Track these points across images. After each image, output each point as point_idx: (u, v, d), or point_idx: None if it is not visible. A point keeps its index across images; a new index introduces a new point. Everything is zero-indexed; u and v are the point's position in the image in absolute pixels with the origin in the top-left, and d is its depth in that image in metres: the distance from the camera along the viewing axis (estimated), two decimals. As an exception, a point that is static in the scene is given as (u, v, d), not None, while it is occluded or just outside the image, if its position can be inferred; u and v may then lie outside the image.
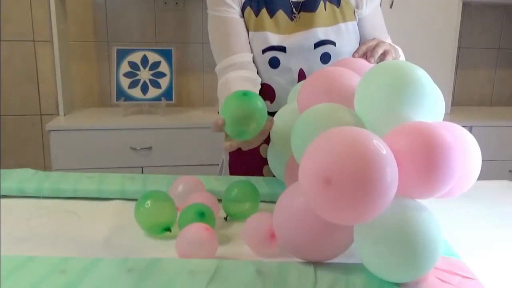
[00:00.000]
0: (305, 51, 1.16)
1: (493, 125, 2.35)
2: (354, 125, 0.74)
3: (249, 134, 0.88)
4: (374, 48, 1.00)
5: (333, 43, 1.17)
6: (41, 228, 0.90)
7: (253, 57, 1.19)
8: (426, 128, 0.68)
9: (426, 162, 0.66)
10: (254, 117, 0.86)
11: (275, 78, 1.19)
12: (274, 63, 1.18)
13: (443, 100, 0.82)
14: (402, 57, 1.12)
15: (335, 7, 1.17)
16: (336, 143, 0.64)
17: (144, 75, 2.33)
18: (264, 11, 1.16)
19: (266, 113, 0.88)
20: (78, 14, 2.38)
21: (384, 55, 1.02)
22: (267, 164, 1.24)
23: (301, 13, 1.17)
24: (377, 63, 1.01)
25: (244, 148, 0.96)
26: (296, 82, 1.18)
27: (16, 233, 0.88)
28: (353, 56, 1.02)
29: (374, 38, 1.05)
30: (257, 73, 1.20)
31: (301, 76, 1.18)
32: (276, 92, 1.20)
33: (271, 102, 1.21)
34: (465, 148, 0.75)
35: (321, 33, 1.15)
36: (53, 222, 0.93)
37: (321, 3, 1.16)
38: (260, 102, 0.87)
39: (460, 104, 2.77)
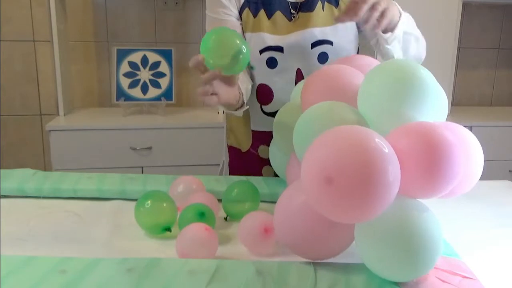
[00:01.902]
0: (302, 50, 1.17)
1: (493, 125, 2.35)
2: (357, 123, 0.74)
3: (229, 67, 0.87)
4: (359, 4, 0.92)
5: (331, 43, 1.16)
6: (41, 228, 0.90)
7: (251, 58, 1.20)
8: (428, 128, 0.68)
9: (428, 162, 0.66)
10: (233, 48, 0.85)
11: (273, 78, 1.19)
12: (271, 63, 1.18)
13: (446, 99, 0.82)
14: (407, 21, 1.09)
15: (333, 7, 1.17)
16: (338, 142, 0.64)
17: (144, 75, 2.33)
18: (262, 12, 1.17)
19: (247, 51, 0.87)
20: (78, 14, 2.38)
21: (373, 10, 0.93)
22: (267, 165, 1.24)
23: (300, 13, 1.17)
24: (365, 21, 0.94)
25: (222, 100, 0.93)
26: (294, 82, 1.18)
27: (16, 233, 0.88)
28: (336, 19, 0.96)
29: None
30: (255, 73, 1.20)
31: (299, 76, 1.18)
32: (274, 92, 1.20)
33: (269, 102, 1.21)
34: (467, 149, 0.75)
35: (318, 32, 1.15)
36: (53, 222, 0.93)
37: (319, 3, 1.16)
38: (241, 40, 0.87)
39: (460, 104, 2.77)
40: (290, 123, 0.93)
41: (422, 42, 1.17)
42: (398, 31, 1.05)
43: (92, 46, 2.43)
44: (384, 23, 0.96)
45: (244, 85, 1.14)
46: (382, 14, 0.95)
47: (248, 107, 1.14)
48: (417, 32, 1.15)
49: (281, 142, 1.03)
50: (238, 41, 0.86)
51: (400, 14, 1.06)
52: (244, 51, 0.86)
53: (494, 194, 1.16)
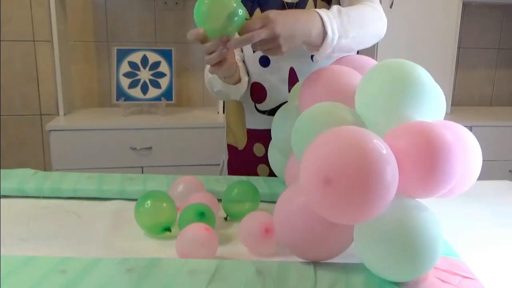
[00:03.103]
0: (295, 49, 1.16)
1: (493, 125, 2.35)
2: (354, 124, 0.74)
3: (224, 29, 0.85)
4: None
5: None
6: (41, 228, 0.90)
7: (244, 56, 1.21)
8: (426, 127, 0.68)
9: (426, 162, 0.66)
10: (227, 9, 0.83)
11: (266, 77, 1.20)
12: (264, 61, 1.18)
13: (444, 98, 0.82)
14: (340, 25, 0.96)
15: (326, 4, 1.17)
16: (336, 143, 0.64)
17: (144, 75, 2.33)
18: (257, 11, 1.17)
19: (243, 13, 0.84)
20: (78, 14, 2.38)
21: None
22: (262, 163, 1.24)
23: None
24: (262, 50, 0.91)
25: (213, 70, 0.94)
26: (287, 81, 1.18)
27: (16, 233, 0.88)
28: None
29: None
30: (249, 72, 1.21)
31: (292, 74, 1.18)
32: (267, 90, 1.21)
33: (263, 100, 1.22)
34: (465, 147, 0.75)
35: None
36: (53, 222, 0.93)
37: (310, 2, 1.16)
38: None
39: (460, 104, 2.77)
40: (288, 124, 0.93)
41: (372, 20, 1.05)
42: (322, 56, 0.98)
43: (92, 46, 2.44)
44: (272, 54, 0.92)
45: (240, 64, 1.15)
46: (272, 48, 0.90)
47: (245, 84, 1.15)
48: (360, 18, 1.01)
49: (280, 144, 1.03)
50: (232, 2, 0.84)
51: (326, 33, 0.94)
52: (240, 13, 0.84)
53: (494, 194, 1.16)
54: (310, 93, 0.89)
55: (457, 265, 0.75)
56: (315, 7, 1.15)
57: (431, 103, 0.75)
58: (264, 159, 1.20)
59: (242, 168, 1.29)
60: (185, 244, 0.78)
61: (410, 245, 0.66)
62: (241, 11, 0.85)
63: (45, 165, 2.49)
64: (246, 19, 0.87)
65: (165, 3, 2.42)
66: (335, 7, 0.99)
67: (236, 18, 0.84)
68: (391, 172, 0.63)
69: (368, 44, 1.08)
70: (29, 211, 0.98)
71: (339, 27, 0.97)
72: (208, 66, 1.17)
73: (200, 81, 2.56)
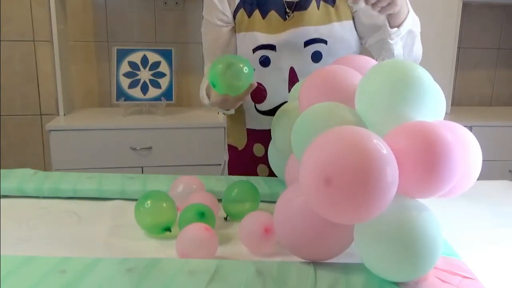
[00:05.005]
0: (295, 49, 1.16)
1: (493, 125, 2.35)
2: (355, 124, 0.74)
3: (235, 89, 0.95)
4: None
5: (325, 42, 1.16)
6: (41, 228, 0.90)
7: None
8: (427, 127, 0.68)
9: (426, 162, 0.66)
10: (236, 71, 0.92)
11: (266, 77, 1.20)
12: (264, 61, 1.18)
13: (444, 98, 0.82)
14: (413, 20, 1.15)
15: (329, 6, 1.17)
16: (336, 143, 0.64)
17: (144, 75, 2.33)
18: (256, 12, 1.17)
19: (250, 74, 0.93)
20: (78, 14, 2.38)
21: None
22: (261, 163, 1.24)
23: (295, 12, 1.17)
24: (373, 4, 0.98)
25: (222, 107, 1.07)
26: (287, 81, 1.18)
27: (16, 233, 0.88)
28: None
29: None
30: None
31: (292, 74, 1.18)
32: (267, 90, 1.21)
33: (263, 100, 1.22)
34: (465, 147, 0.75)
35: (311, 31, 1.15)
36: (53, 222, 0.93)
37: (313, 2, 1.16)
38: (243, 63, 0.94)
39: (460, 104, 2.77)
40: (288, 124, 0.94)
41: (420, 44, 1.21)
42: (403, 28, 1.09)
43: (92, 46, 2.44)
44: (389, 10, 0.99)
45: None
46: (390, 3, 0.98)
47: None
48: (419, 33, 1.18)
49: (280, 143, 1.03)
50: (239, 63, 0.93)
51: (408, 11, 1.09)
52: (246, 71, 0.93)
53: (494, 194, 1.16)
54: (310, 93, 0.89)
55: (457, 265, 0.75)
56: (318, 8, 1.16)
57: (431, 103, 0.75)
58: (264, 159, 1.20)
59: (242, 168, 1.29)
60: (185, 244, 0.78)
61: (410, 245, 0.66)
62: (246, 69, 0.93)
63: (45, 165, 2.49)
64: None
65: (165, 3, 2.42)
66: None
67: (243, 76, 0.93)
68: (391, 172, 0.63)
69: (416, 54, 1.22)
70: (29, 211, 0.98)
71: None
72: (203, 81, 1.20)
73: (200, 81, 2.55)
